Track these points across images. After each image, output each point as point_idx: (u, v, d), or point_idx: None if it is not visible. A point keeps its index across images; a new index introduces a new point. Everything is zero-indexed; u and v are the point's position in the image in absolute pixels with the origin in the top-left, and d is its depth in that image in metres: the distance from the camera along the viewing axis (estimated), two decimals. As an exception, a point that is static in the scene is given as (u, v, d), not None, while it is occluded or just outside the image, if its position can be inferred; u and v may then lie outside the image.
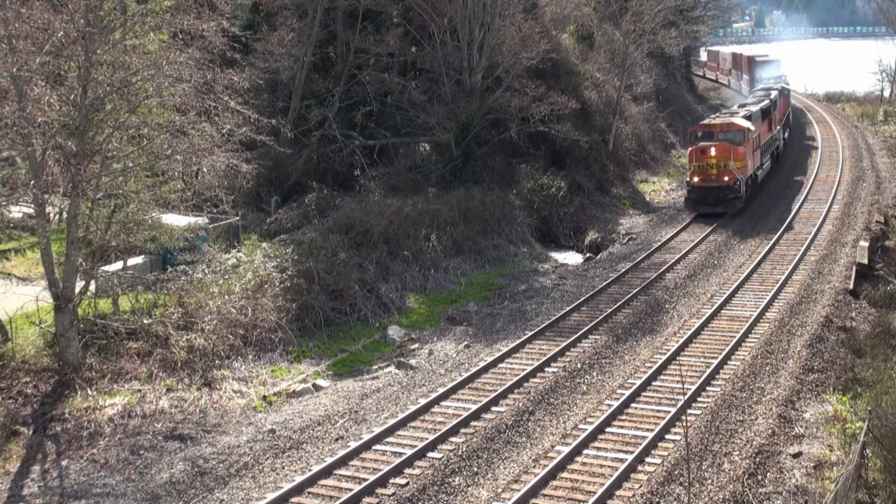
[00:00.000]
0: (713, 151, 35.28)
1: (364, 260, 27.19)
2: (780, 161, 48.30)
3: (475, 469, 16.27)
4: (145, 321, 20.87)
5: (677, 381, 19.34)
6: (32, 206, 19.49)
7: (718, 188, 35.57)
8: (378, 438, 17.42)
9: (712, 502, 14.73)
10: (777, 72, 67.33)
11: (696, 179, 35.99)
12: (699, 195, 36.03)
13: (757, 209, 37.68)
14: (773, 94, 48.17)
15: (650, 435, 16.92)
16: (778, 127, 47.34)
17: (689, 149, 37.07)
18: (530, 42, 37.26)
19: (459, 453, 16.73)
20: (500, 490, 15.48)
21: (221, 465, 16.74)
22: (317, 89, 35.79)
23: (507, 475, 16.05)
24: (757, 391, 19.33)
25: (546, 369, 20.93)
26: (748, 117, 38.50)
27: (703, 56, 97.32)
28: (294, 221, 30.51)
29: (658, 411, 18.33)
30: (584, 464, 16.29)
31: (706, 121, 40.23)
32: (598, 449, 16.85)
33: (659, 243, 32.91)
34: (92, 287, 21.37)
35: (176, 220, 24.38)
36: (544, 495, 15.20)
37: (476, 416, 18.37)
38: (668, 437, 17.12)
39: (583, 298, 26.32)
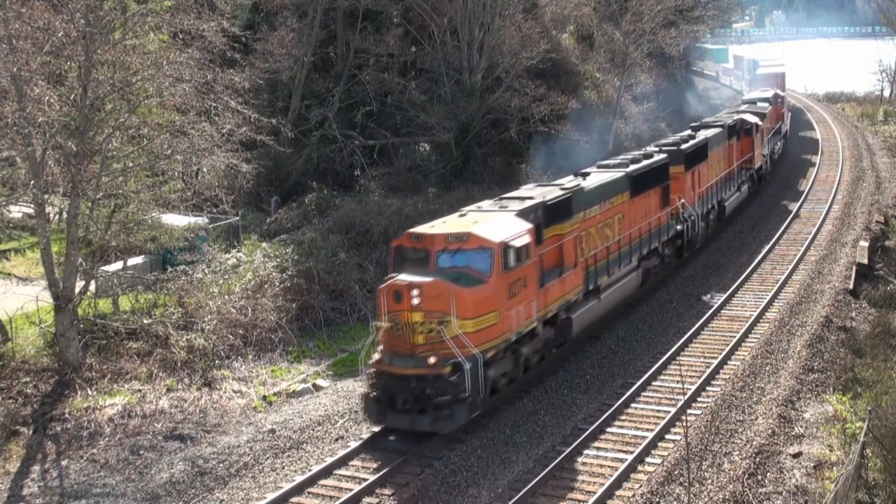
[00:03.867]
0: (414, 297, 16.57)
1: (364, 260, 27.18)
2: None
3: (475, 469, 16.27)
4: (145, 321, 20.88)
5: (677, 381, 19.34)
6: (32, 206, 19.49)
7: (417, 379, 16.67)
8: (378, 438, 17.40)
9: (712, 502, 14.73)
10: (766, 90, 49.27)
11: (375, 357, 17.44)
12: (383, 388, 17.19)
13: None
14: (707, 134, 30.82)
15: (650, 435, 16.94)
16: (678, 201, 27.20)
17: (382, 285, 17.48)
18: (530, 42, 37.25)
19: (460, 453, 16.71)
20: (500, 490, 15.47)
21: (221, 465, 16.74)
22: (317, 89, 35.81)
23: (508, 475, 16.04)
24: (757, 391, 19.33)
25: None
26: (542, 210, 19.16)
27: (730, 62, 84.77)
28: (294, 221, 30.53)
29: (658, 411, 18.33)
30: (584, 464, 16.29)
31: (421, 227, 18.58)
32: (599, 449, 16.85)
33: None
34: (92, 287, 21.39)
35: (176, 220, 24.40)
36: (544, 495, 15.20)
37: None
38: (667, 436, 17.14)
39: (583, 298, 26.23)
